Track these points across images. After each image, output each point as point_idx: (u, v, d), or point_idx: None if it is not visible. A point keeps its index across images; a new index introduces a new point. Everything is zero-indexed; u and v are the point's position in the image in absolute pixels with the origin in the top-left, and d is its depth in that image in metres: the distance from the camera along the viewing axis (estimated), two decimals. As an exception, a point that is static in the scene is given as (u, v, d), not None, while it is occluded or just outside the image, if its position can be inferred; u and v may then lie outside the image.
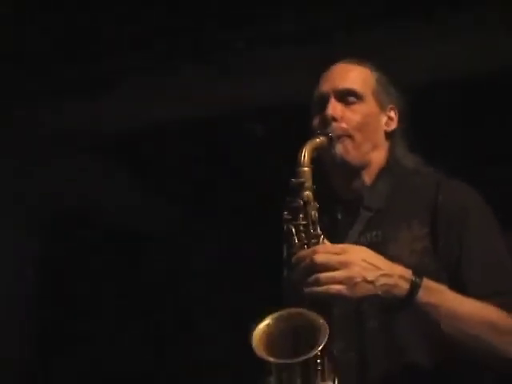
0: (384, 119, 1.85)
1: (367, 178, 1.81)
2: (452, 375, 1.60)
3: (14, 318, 4.56)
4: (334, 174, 1.82)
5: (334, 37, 3.85)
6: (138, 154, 4.97)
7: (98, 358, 4.88)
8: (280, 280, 1.59)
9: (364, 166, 1.81)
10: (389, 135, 1.86)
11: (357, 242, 1.65)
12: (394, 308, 1.51)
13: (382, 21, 3.78)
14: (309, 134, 1.76)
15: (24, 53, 4.14)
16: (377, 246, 1.57)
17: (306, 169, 1.64)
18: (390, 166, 1.82)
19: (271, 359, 1.42)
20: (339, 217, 1.80)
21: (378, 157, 1.82)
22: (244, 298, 4.65)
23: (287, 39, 4.04)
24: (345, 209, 1.81)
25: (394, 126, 1.86)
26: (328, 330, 1.42)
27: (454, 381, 1.61)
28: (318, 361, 1.46)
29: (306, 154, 1.65)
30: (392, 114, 1.86)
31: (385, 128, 1.85)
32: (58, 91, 4.41)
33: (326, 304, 1.49)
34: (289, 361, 1.42)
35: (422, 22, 3.67)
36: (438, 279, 1.55)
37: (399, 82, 1.94)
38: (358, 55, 1.91)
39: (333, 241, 1.61)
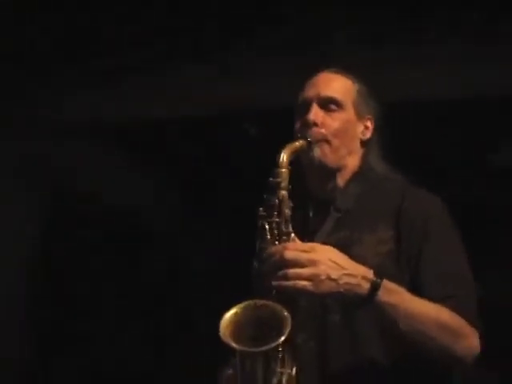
0: (361, 128, 1.96)
1: (340, 180, 1.92)
2: (406, 371, 1.68)
3: (14, 317, 4.57)
4: (311, 175, 1.92)
5: (332, 40, 3.90)
6: (138, 154, 4.98)
7: (98, 358, 4.89)
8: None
9: (339, 170, 1.92)
10: (364, 143, 1.97)
11: (325, 241, 1.73)
12: (355, 305, 1.60)
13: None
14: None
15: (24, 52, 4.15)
16: (343, 246, 1.66)
17: (283, 170, 1.74)
18: (363, 172, 1.93)
19: (236, 346, 1.50)
20: (311, 215, 1.89)
21: (352, 162, 1.93)
22: (244, 297, 4.65)
23: (287, 41, 4.06)
24: (317, 208, 1.90)
25: (369, 134, 1.97)
26: (291, 322, 1.50)
27: (407, 377, 1.69)
28: (280, 349, 1.55)
29: (284, 156, 1.75)
30: (368, 123, 1.97)
31: (361, 136, 1.97)
32: (61, 85, 4.43)
33: (291, 297, 1.59)
34: (252, 349, 1.51)
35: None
36: (399, 281, 1.65)
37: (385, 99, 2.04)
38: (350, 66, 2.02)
39: (303, 237, 1.71)
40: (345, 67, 2.01)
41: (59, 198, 4.94)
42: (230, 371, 1.69)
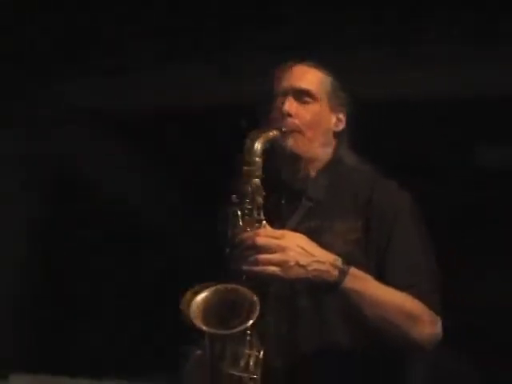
0: (333, 120, 1.99)
1: (312, 171, 1.94)
2: (370, 356, 1.74)
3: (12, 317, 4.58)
4: (283, 164, 1.93)
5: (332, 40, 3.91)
6: (139, 153, 5.00)
7: (97, 359, 4.89)
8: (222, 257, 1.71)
9: (311, 160, 1.93)
10: (336, 135, 2.00)
11: (296, 229, 1.75)
12: (323, 291, 1.66)
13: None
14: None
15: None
16: (313, 234, 1.69)
17: (257, 159, 1.76)
18: (334, 162, 1.96)
19: (206, 329, 1.54)
20: (282, 203, 1.92)
21: (324, 153, 1.96)
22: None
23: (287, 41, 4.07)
24: (289, 197, 1.92)
25: (341, 126, 2.00)
26: (259, 307, 1.55)
27: (371, 361, 1.74)
28: (248, 332, 1.59)
29: (258, 145, 1.78)
30: (341, 115, 2.00)
31: (333, 128, 1.99)
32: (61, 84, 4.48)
33: (261, 282, 1.62)
34: (222, 331, 1.55)
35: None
36: (367, 269, 1.70)
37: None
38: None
39: (274, 225, 1.73)
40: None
41: (58, 198, 4.95)
42: (199, 352, 1.71)
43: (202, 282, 1.65)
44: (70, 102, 4.59)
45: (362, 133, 1.98)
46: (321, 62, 2.01)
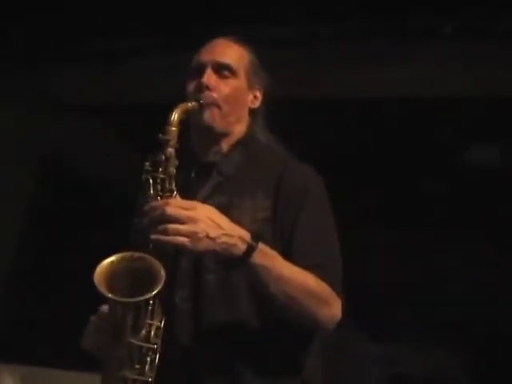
0: (250, 97, 2.01)
1: (225, 146, 1.95)
2: (273, 332, 1.75)
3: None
4: (197, 137, 1.96)
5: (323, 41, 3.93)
6: (133, 140, 5.03)
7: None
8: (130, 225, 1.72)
9: (225, 135, 1.95)
10: (252, 112, 2.02)
11: (204, 202, 1.76)
12: (230, 265, 1.66)
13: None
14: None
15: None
16: (222, 210, 1.69)
17: (173, 128, 1.78)
18: (247, 139, 1.98)
19: (109, 295, 1.53)
20: (193, 176, 1.92)
21: (238, 129, 1.98)
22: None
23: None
24: (200, 170, 1.93)
25: (257, 104, 2.02)
26: (164, 277, 1.55)
27: (274, 337, 1.75)
28: (150, 302, 1.60)
29: (176, 116, 1.79)
30: (258, 93, 2.02)
31: (250, 105, 2.01)
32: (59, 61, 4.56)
33: (167, 252, 1.63)
34: (124, 299, 1.54)
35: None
36: (274, 247, 1.70)
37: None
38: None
39: (184, 197, 1.73)
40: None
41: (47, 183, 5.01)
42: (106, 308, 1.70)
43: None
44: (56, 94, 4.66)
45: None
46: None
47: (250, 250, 1.63)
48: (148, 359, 1.59)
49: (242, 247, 1.63)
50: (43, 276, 5.07)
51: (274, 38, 4.06)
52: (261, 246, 1.65)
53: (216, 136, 1.94)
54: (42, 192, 5.06)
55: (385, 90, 4.24)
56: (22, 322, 4.92)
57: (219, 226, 1.62)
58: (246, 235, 1.64)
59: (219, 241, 1.61)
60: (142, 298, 1.54)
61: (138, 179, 1.75)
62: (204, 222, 1.60)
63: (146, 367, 1.59)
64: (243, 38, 2.00)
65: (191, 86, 1.93)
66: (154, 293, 1.54)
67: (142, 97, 4.78)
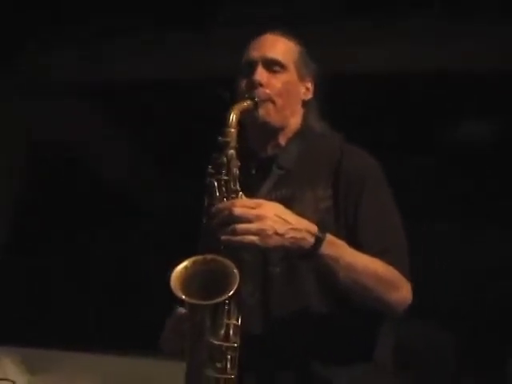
0: (302, 89, 2.03)
1: (282, 139, 1.99)
2: (343, 320, 1.79)
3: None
4: (254, 134, 1.98)
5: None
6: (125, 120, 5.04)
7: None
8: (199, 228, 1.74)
9: (281, 129, 1.98)
10: (305, 103, 2.04)
11: (266, 197, 1.80)
12: (300, 258, 1.70)
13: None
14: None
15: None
16: (285, 203, 1.72)
17: (232, 130, 1.80)
18: (303, 131, 2.01)
19: (186, 298, 1.58)
20: (253, 172, 1.95)
21: (293, 122, 2.01)
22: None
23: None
24: (260, 166, 1.96)
25: (310, 95, 2.04)
26: (238, 277, 1.60)
27: (343, 325, 1.78)
28: (226, 301, 1.64)
29: (234, 116, 1.81)
30: (309, 85, 2.04)
31: (302, 97, 2.03)
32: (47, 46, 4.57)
33: (238, 251, 1.66)
34: (202, 302, 1.59)
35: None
36: (338, 237, 1.73)
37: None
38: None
39: (247, 195, 1.76)
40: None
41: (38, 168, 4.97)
42: (182, 309, 1.74)
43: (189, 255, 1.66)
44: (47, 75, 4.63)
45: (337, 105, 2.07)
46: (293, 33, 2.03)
47: (319, 241, 1.66)
48: (228, 357, 1.63)
49: (311, 240, 1.66)
50: (42, 255, 5.07)
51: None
52: (328, 236, 1.68)
53: (273, 131, 1.96)
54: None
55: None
56: (21, 304, 4.94)
57: (286, 222, 1.64)
58: (313, 228, 1.67)
59: (288, 236, 1.64)
60: (220, 300, 1.58)
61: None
62: (271, 219, 1.63)
63: (228, 365, 1.63)
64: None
65: (242, 84, 1.96)
66: (231, 293, 1.58)
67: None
